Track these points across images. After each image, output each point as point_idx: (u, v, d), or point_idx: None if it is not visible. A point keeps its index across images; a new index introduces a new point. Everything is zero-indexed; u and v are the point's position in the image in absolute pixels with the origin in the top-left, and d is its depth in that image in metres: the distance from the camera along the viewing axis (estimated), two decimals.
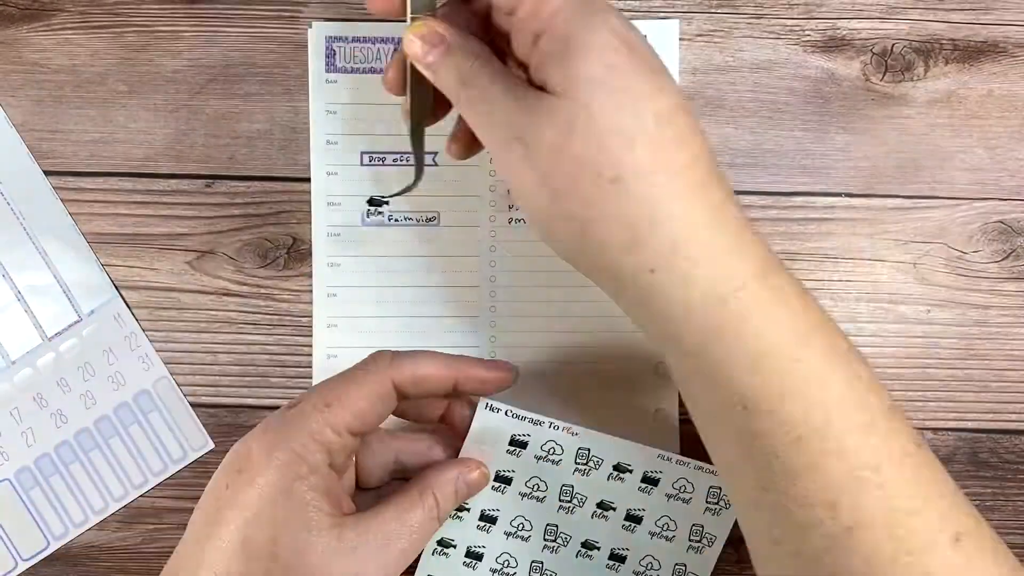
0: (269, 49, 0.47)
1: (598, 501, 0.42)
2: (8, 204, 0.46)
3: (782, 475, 0.30)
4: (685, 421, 0.46)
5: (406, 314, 0.46)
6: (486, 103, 0.32)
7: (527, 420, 0.41)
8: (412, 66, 0.36)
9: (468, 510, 0.42)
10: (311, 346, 0.46)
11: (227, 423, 0.47)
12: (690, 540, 0.42)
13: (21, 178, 0.46)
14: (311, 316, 0.46)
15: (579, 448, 0.41)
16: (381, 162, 0.46)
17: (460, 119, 0.38)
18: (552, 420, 0.41)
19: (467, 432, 0.41)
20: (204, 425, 0.47)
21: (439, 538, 0.42)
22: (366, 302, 0.46)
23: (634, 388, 0.46)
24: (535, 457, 0.41)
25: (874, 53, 0.46)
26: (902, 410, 0.32)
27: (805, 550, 0.31)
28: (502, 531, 0.42)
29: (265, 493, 0.34)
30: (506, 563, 0.43)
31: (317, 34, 0.46)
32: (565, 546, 0.42)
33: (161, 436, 0.46)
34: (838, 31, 0.46)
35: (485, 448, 0.41)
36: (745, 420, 0.31)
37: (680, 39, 0.46)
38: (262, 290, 0.46)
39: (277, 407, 0.46)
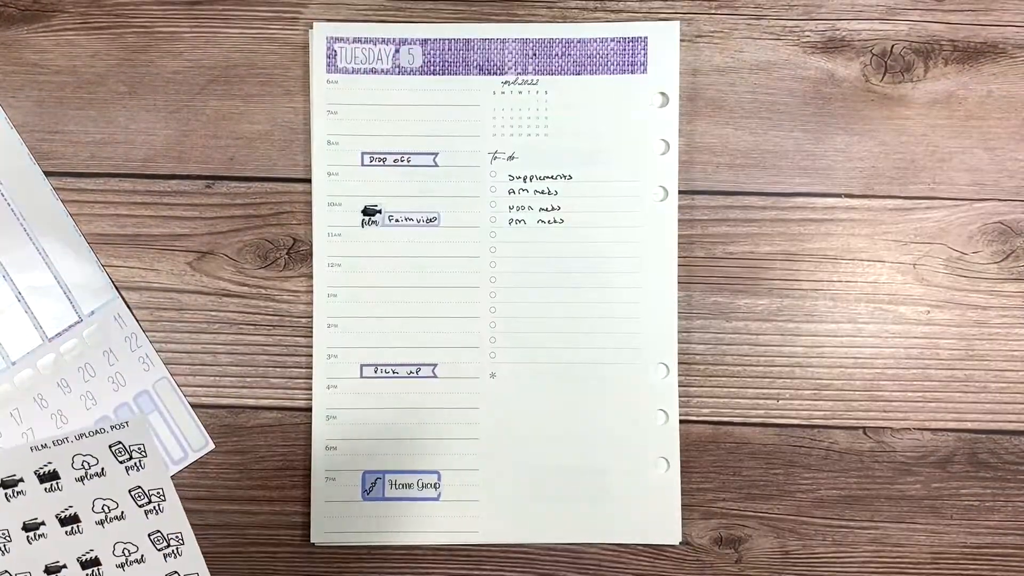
0: (269, 50, 0.47)
1: (21, 526, 0.40)
2: (8, 205, 0.46)
3: None
4: (685, 421, 0.46)
5: (406, 314, 0.46)
6: None
7: None
8: None
9: None
10: (311, 346, 0.46)
11: (227, 423, 0.47)
12: (138, 505, 0.41)
13: (21, 179, 0.46)
14: (311, 317, 0.46)
15: None
16: (381, 162, 0.46)
17: None
18: None
19: None
20: (204, 425, 0.47)
21: None
22: (366, 302, 0.46)
23: (634, 388, 0.46)
24: None
25: (874, 54, 0.46)
26: None
27: None
28: None
29: None
30: None
31: (318, 34, 0.46)
32: None
33: (161, 437, 0.46)
34: (838, 32, 0.46)
35: None
36: None
37: (680, 40, 0.46)
38: (262, 291, 0.47)
39: (277, 407, 0.46)
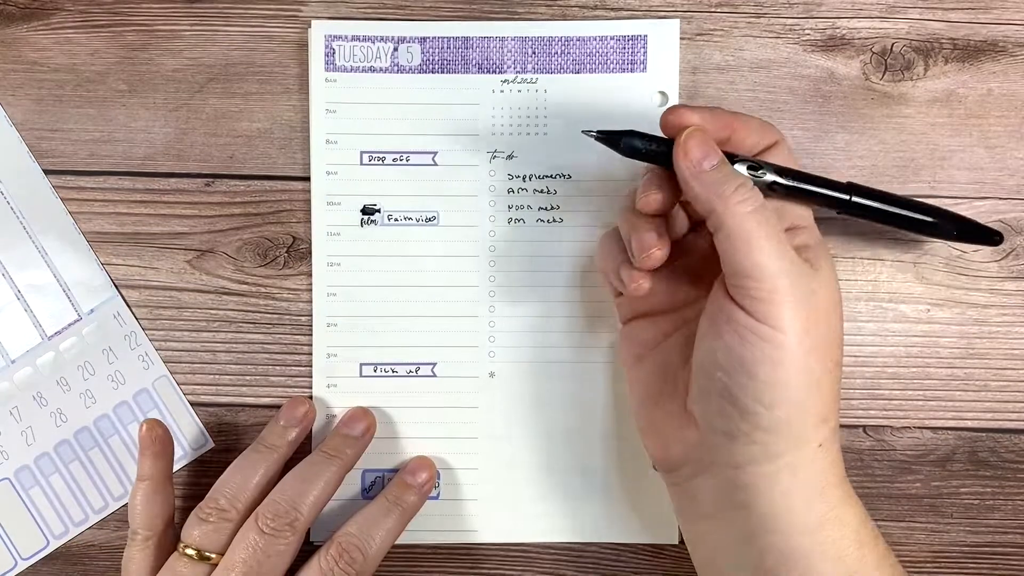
0: (269, 48, 0.47)
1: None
2: (8, 203, 0.46)
3: None
4: None
5: (405, 314, 0.46)
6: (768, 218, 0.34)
7: None
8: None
9: None
10: (311, 345, 0.46)
11: (227, 422, 0.47)
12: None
13: (21, 177, 0.46)
14: (311, 315, 0.46)
15: None
16: (381, 161, 0.46)
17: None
18: None
19: None
20: (204, 424, 0.47)
21: None
22: (366, 302, 0.46)
23: None
24: None
25: (874, 52, 0.46)
26: None
27: None
28: None
29: None
30: None
31: (317, 32, 0.46)
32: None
33: None
34: (838, 30, 0.46)
35: None
36: None
37: (680, 38, 0.46)
38: (262, 289, 0.47)
39: (277, 406, 0.46)
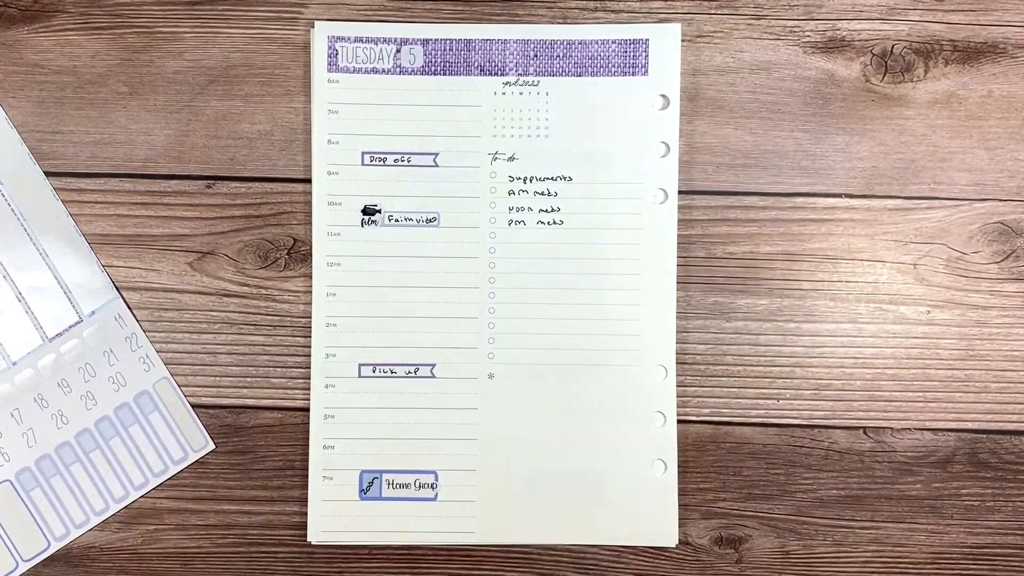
0: (269, 50, 0.47)
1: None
2: (8, 204, 0.46)
3: None
4: (683, 422, 0.46)
5: (405, 314, 0.46)
6: None
7: None
8: None
9: None
10: (311, 347, 0.46)
11: (228, 423, 0.47)
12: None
13: (21, 178, 0.46)
14: (311, 317, 0.46)
15: None
16: (382, 162, 0.46)
17: None
18: None
19: None
20: (205, 426, 0.47)
21: None
22: (365, 302, 0.46)
23: (632, 390, 0.46)
24: None
25: (874, 54, 0.46)
26: None
27: None
28: None
29: None
30: None
31: (320, 33, 0.46)
32: None
33: (162, 437, 0.46)
34: (838, 32, 0.46)
35: None
36: None
37: (680, 40, 0.46)
38: (263, 291, 0.47)
39: (277, 407, 0.46)
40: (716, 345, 0.46)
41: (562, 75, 0.46)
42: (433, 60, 0.46)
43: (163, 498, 0.47)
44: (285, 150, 0.47)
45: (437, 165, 0.46)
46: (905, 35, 0.46)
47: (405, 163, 0.46)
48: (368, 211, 0.46)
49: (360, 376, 0.46)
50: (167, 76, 0.47)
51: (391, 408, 0.46)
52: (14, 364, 0.46)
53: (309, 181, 0.46)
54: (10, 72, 0.47)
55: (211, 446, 0.47)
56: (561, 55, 0.46)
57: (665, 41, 0.46)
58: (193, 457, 0.47)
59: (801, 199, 0.46)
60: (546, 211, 0.46)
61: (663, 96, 0.46)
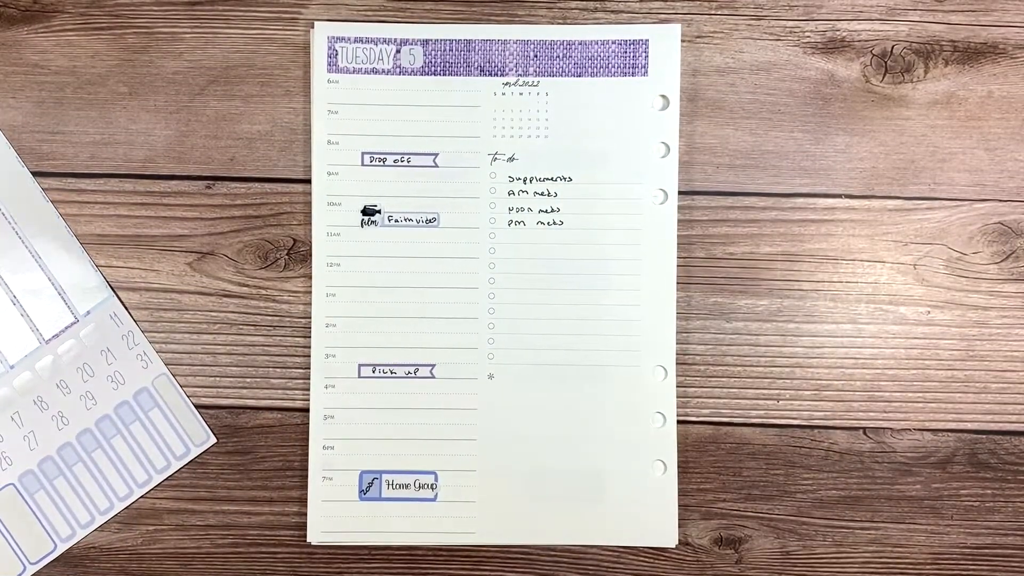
0: (269, 51, 0.47)
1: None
2: None
3: None
4: (683, 422, 0.46)
5: (404, 315, 0.46)
6: None
7: None
8: None
9: None
10: (311, 347, 0.46)
11: (228, 424, 0.47)
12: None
13: (10, 181, 0.46)
14: (311, 318, 0.46)
15: None
16: (382, 162, 0.46)
17: None
18: None
19: None
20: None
21: None
22: (365, 302, 0.46)
23: (632, 391, 0.46)
24: None
25: (874, 55, 0.46)
26: None
27: None
28: None
29: None
30: None
31: (320, 34, 0.46)
32: None
33: (163, 433, 0.46)
34: (838, 32, 0.46)
35: None
36: None
37: (680, 41, 0.46)
38: (262, 291, 0.47)
39: (277, 408, 0.46)
40: (716, 346, 0.46)
41: (562, 75, 0.46)
42: (433, 60, 0.46)
43: (163, 498, 0.47)
44: (285, 150, 0.47)
45: (437, 165, 0.46)
46: (905, 36, 0.46)
47: (405, 163, 0.46)
48: (368, 211, 0.46)
49: (360, 376, 0.46)
50: (167, 76, 0.47)
51: (391, 408, 0.46)
52: (12, 368, 0.46)
53: (309, 181, 0.46)
54: (10, 72, 0.47)
55: (212, 440, 0.47)
56: (561, 56, 0.46)
57: (665, 41, 0.46)
58: (195, 452, 0.47)
59: (801, 199, 0.46)
60: (546, 211, 0.46)
61: (663, 96, 0.46)
